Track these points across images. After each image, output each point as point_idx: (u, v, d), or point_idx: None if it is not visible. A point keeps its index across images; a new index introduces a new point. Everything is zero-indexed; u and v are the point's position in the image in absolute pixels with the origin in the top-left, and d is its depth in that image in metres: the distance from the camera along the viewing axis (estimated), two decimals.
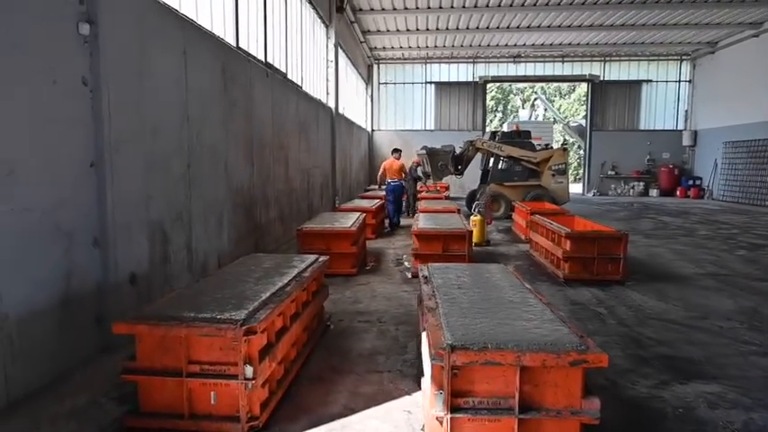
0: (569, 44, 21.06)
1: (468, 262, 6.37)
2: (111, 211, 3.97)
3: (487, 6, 16.10)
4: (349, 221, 7.22)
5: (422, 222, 7.23)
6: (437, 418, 2.47)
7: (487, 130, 23.57)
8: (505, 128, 26.12)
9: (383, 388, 3.46)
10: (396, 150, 12.62)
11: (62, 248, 3.57)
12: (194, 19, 5.78)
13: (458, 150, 14.39)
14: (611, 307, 5.50)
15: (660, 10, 16.35)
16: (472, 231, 7.08)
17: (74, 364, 3.67)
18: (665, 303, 5.68)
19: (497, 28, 18.46)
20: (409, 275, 6.87)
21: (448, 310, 2.96)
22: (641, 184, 23.34)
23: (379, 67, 23.70)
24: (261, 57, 8.21)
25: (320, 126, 12.29)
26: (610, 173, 23.64)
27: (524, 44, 21.06)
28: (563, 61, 23.25)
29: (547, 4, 16.04)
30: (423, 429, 2.88)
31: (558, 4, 15.97)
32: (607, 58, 23.09)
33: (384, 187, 12.45)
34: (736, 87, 19.53)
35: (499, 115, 40.67)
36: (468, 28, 18.51)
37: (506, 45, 21.14)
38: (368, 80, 22.90)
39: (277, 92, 8.68)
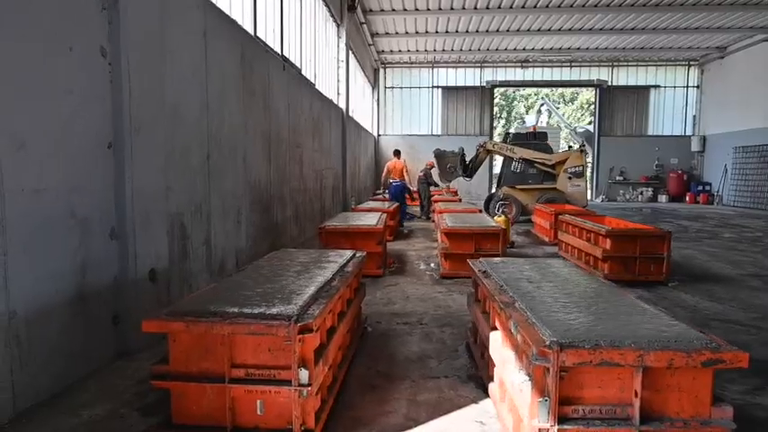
0: (578, 48, 20.80)
1: None
2: (130, 199, 3.55)
3: (499, 8, 15.80)
4: (373, 220, 6.80)
5: (450, 221, 6.81)
6: (540, 431, 2.04)
7: (495, 134, 23.25)
8: (512, 131, 25.81)
9: (444, 395, 3.02)
10: (397, 152, 12.98)
11: (77, 238, 3.15)
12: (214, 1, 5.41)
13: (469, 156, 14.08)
14: (666, 308, 5.04)
15: (672, 13, 16.05)
16: (505, 229, 6.67)
17: (89, 370, 3.23)
18: (720, 304, 5.28)
19: (507, 31, 18.17)
20: (437, 276, 6.45)
21: (531, 305, 2.54)
22: (650, 189, 22.99)
23: (385, 71, 23.41)
24: (277, 49, 7.84)
25: (332, 127, 11.92)
26: (618, 178, 23.30)
27: (533, 48, 20.78)
28: (570, 66, 23.00)
29: (559, 6, 15.76)
30: None
31: (571, 6, 15.69)
32: (615, 63, 22.86)
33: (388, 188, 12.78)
34: (746, 92, 19.28)
35: (503, 121, 40.43)
36: (477, 31, 18.20)
37: (514, 49, 20.87)
38: (374, 84, 22.58)
39: (293, 87, 8.30)
